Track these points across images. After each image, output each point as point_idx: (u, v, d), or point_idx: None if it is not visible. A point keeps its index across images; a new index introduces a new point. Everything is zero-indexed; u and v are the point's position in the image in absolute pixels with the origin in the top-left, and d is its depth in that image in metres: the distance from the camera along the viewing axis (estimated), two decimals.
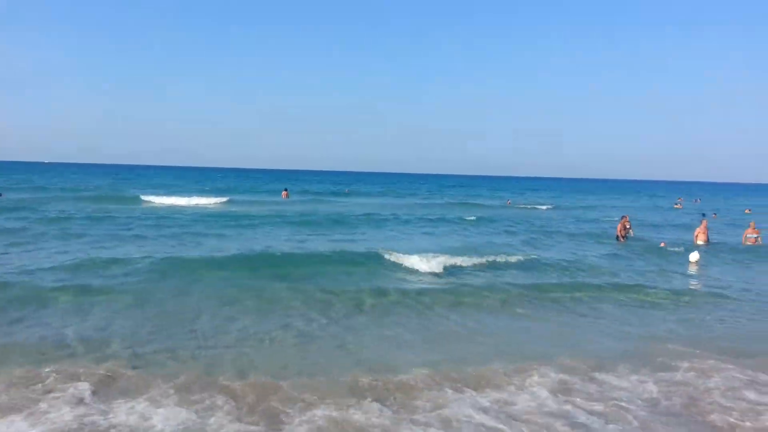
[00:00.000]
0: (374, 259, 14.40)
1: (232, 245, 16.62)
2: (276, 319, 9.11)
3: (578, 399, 6.23)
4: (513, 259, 15.16)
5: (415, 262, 13.66)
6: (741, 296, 12.02)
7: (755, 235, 21.07)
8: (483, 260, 14.53)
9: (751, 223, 22.43)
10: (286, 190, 48.09)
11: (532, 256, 15.88)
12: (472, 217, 29.57)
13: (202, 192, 49.77)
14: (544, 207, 44.70)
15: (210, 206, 34.17)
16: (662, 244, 19.85)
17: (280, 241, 18.03)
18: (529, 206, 45.63)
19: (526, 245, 19.28)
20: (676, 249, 18.87)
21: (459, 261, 14.02)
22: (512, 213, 37.00)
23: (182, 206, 33.13)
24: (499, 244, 19.16)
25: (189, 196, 39.25)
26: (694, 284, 13.73)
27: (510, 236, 22.25)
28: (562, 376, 6.87)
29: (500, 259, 14.93)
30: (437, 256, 14.10)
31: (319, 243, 18.03)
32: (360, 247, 16.85)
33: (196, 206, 33.54)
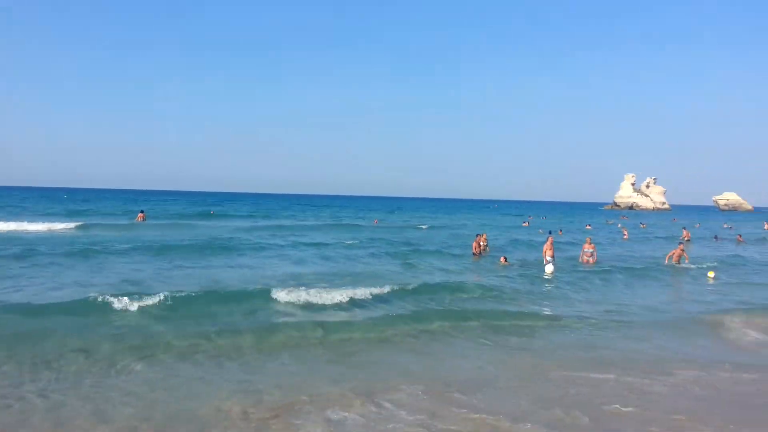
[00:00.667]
0: (246, 293, 13.08)
1: (76, 282, 14.55)
2: (123, 367, 8.08)
3: (439, 423, 6.37)
4: (389, 287, 14.36)
5: (286, 295, 12.77)
6: (596, 313, 12.95)
7: (591, 250, 23.28)
8: (363, 291, 13.65)
9: (588, 239, 24.82)
10: (142, 212, 45.11)
11: (408, 281, 15.73)
12: (351, 241, 29.42)
13: (48, 215, 45.48)
14: (424, 227, 46.58)
15: (57, 232, 31.06)
16: (502, 260, 21.06)
17: (134, 273, 16.27)
18: (412, 226, 47.33)
19: (408, 269, 19.34)
20: (514, 264, 20.65)
21: (334, 295, 13.04)
22: (390, 233, 37.64)
23: (21, 232, 29.75)
24: (380, 269, 19.08)
25: (31, 220, 35.47)
26: (548, 299, 14.73)
27: (389, 259, 22.23)
28: (425, 400, 7.04)
29: (378, 288, 14.10)
30: (310, 289, 13.36)
31: (181, 273, 16.78)
32: (230, 278, 15.81)
33: (40, 232, 30.32)
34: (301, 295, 12.82)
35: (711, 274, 19.33)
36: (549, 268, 18.01)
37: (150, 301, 11.61)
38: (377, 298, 13.51)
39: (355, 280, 15.26)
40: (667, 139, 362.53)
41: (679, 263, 22.08)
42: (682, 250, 22.49)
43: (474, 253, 23.08)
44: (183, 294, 12.34)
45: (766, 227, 60.94)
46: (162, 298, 11.76)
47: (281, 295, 12.79)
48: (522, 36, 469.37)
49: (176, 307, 11.57)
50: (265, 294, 12.95)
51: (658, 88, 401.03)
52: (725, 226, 62.45)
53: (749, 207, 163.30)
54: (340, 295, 13.07)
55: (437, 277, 17.41)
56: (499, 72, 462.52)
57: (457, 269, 19.70)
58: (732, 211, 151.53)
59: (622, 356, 9.29)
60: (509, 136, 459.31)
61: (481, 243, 24.22)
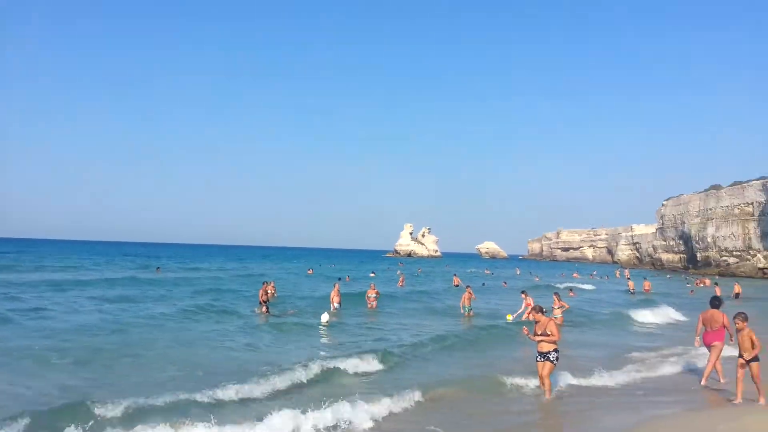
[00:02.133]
0: (48, 412, 8.19)
1: None
2: None
3: None
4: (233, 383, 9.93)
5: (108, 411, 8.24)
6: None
7: (374, 295, 24.63)
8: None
9: (372, 285, 26.47)
10: None
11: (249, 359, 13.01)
12: (154, 298, 26.28)
13: None
14: (228, 272, 44.89)
15: None
16: (264, 309, 21.16)
17: None
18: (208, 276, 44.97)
19: (231, 337, 16.36)
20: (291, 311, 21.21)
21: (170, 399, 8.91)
22: (191, 285, 35.42)
23: None
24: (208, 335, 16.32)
25: None
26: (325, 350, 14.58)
27: (210, 317, 19.76)
28: None
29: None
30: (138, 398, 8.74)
31: None
32: (9, 371, 10.99)
33: None
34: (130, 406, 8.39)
35: (509, 317, 21.19)
36: (324, 317, 18.06)
37: None
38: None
39: (191, 364, 12.12)
40: (438, 193, 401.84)
41: (469, 305, 23.01)
42: (470, 293, 23.61)
43: (261, 302, 22.91)
44: None
45: (517, 273, 70.69)
46: None
47: (104, 410, 8.19)
48: (296, 91, 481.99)
49: None
50: (81, 409, 8.16)
51: (430, 145, 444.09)
52: (486, 272, 70.91)
53: (504, 254, 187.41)
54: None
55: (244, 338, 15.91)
56: (282, 121, 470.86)
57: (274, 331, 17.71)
58: (492, 258, 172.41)
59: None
60: (303, 185, 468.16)
61: (269, 291, 24.25)
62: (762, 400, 9.39)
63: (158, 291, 30.19)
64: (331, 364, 11.80)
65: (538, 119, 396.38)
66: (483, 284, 43.90)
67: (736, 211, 78.33)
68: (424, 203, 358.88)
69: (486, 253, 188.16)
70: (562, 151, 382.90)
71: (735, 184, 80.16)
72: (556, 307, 20.19)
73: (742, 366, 9.58)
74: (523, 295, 21.34)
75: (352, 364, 12.06)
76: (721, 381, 11.35)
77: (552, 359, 9.93)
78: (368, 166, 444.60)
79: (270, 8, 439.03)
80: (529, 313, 11.06)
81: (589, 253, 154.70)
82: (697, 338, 11.65)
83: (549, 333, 9.89)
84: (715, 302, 11.55)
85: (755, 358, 9.45)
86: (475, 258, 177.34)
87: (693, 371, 12.61)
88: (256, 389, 9.82)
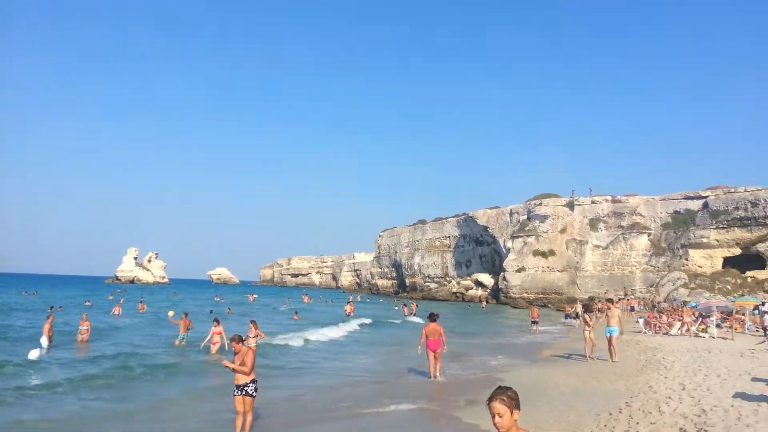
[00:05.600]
0: None
1: None
2: None
3: None
4: None
5: None
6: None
7: (86, 327, 22.37)
8: None
9: (84, 315, 23.53)
10: None
11: None
12: None
13: None
14: None
15: None
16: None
17: None
18: None
19: None
20: None
21: None
22: None
23: None
24: None
25: None
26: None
27: None
28: None
29: None
30: None
31: None
32: None
33: None
34: None
35: (171, 312, 19.63)
36: (34, 354, 16.62)
37: None
38: None
39: None
40: (167, 218, 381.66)
41: (186, 333, 22.47)
42: (187, 323, 22.99)
43: None
44: None
45: (251, 299, 70.94)
46: None
47: None
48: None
49: None
50: None
51: (159, 172, 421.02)
52: (216, 299, 69.90)
53: (237, 280, 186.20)
54: None
55: None
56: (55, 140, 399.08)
57: None
58: (223, 284, 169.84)
59: None
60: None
61: None
62: None
63: None
64: None
65: (263, 150, 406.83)
66: (210, 311, 42.67)
67: (437, 243, 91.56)
68: (153, 228, 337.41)
69: (218, 279, 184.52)
70: (293, 181, 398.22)
71: (437, 219, 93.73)
72: (251, 335, 19.50)
73: None
74: (214, 323, 20.44)
75: None
76: (436, 378, 15.22)
77: (251, 392, 9.46)
78: (92, 188, 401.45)
79: None
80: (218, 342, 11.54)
81: (316, 279, 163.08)
82: (420, 345, 15.45)
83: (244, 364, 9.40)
84: (434, 317, 15.54)
85: None
86: (207, 284, 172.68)
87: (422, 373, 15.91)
88: None
